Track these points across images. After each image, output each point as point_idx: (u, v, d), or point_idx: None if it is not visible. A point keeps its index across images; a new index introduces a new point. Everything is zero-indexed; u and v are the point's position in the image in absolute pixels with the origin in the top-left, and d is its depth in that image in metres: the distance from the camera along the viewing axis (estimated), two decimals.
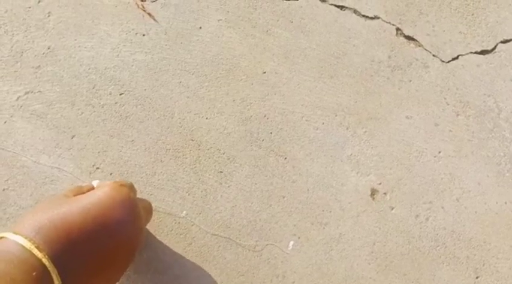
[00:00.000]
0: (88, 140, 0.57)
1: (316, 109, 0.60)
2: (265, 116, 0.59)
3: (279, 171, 0.58)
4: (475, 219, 0.57)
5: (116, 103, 0.59)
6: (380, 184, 0.58)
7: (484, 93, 0.61)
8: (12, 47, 0.60)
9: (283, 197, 0.57)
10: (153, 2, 0.62)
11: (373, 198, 0.57)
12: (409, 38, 0.63)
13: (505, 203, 0.58)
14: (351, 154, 0.59)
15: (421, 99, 0.61)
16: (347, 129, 0.59)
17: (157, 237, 0.55)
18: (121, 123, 0.58)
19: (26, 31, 0.60)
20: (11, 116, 0.57)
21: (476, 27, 0.64)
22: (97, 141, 0.57)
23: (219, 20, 0.62)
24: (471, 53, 0.63)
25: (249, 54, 0.61)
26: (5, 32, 0.60)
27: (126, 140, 0.57)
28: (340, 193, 0.57)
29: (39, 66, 0.59)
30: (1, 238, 0.35)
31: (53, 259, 0.34)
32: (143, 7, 0.62)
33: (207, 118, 0.59)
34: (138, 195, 0.51)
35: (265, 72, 0.61)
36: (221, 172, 0.57)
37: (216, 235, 0.55)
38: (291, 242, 0.55)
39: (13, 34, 0.60)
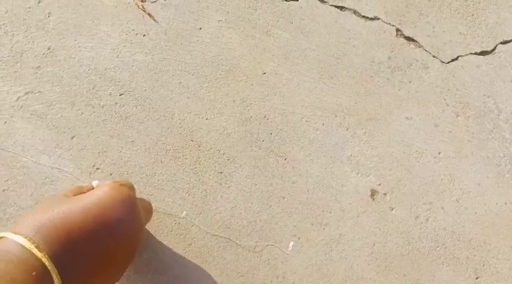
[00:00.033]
0: (88, 140, 0.57)
1: (316, 110, 0.60)
2: (265, 117, 0.59)
3: (279, 171, 0.58)
4: (475, 220, 0.57)
5: (116, 103, 0.59)
6: (380, 185, 0.58)
7: (484, 94, 0.61)
8: (12, 47, 0.60)
9: (283, 198, 0.57)
10: (153, 2, 0.62)
11: (373, 199, 0.57)
12: (409, 39, 0.63)
13: (505, 204, 0.58)
14: (351, 155, 0.59)
15: (421, 100, 0.61)
16: (347, 129, 0.59)
17: (157, 238, 0.55)
18: (121, 123, 0.58)
19: (26, 31, 0.60)
20: (11, 116, 0.57)
21: (476, 28, 0.64)
22: (97, 142, 0.57)
23: (219, 21, 0.62)
24: (471, 53, 0.63)
25: (249, 54, 0.61)
26: (5, 32, 0.60)
27: (126, 141, 0.57)
28: (340, 193, 0.57)
29: (39, 66, 0.59)
30: (1, 237, 0.35)
31: (53, 258, 0.34)
32: (143, 8, 0.62)
33: (207, 118, 0.59)
34: (138, 196, 0.51)
35: (265, 73, 0.61)
36: (221, 172, 0.57)
37: (216, 235, 0.55)
38: (291, 243, 0.55)
39: (13, 34, 0.60)
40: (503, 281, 0.56)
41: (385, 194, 0.58)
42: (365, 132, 0.60)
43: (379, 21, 0.63)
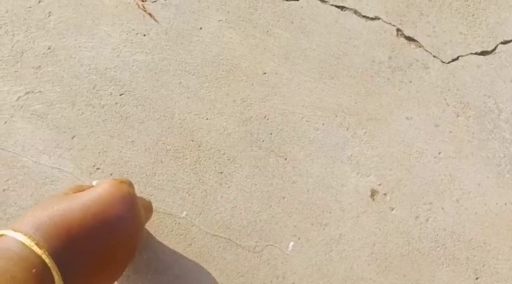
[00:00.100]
0: (88, 140, 0.57)
1: (316, 110, 0.60)
2: (265, 117, 0.59)
3: (279, 171, 0.58)
4: (475, 220, 0.57)
5: (116, 103, 0.59)
6: (380, 185, 0.58)
7: (484, 94, 0.61)
8: (12, 47, 0.60)
9: (283, 198, 0.57)
10: (153, 2, 0.62)
11: (373, 199, 0.57)
12: (410, 39, 0.63)
13: (505, 204, 0.58)
14: (351, 155, 0.59)
15: (421, 100, 0.61)
16: (347, 129, 0.59)
17: (158, 238, 0.55)
18: (121, 123, 0.58)
19: (26, 31, 0.60)
20: (12, 116, 0.57)
21: (476, 28, 0.64)
22: (97, 142, 0.57)
23: (219, 21, 0.62)
24: (471, 53, 0.63)
25: (249, 54, 0.61)
26: (5, 32, 0.60)
27: (127, 141, 0.57)
28: (340, 193, 0.57)
29: (40, 66, 0.59)
30: (1, 235, 0.35)
31: (53, 255, 0.34)
32: (144, 7, 0.62)
33: (207, 118, 0.59)
34: (138, 195, 0.50)
35: (265, 73, 0.61)
36: (221, 172, 0.57)
37: (216, 235, 0.55)
38: (291, 243, 0.55)
39: (14, 34, 0.60)
40: (503, 282, 0.56)
41: (385, 194, 0.58)
42: (365, 132, 0.59)
43: (380, 21, 0.63)
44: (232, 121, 0.59)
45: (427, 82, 0.61)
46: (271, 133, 0.59)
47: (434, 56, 0.62)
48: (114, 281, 0.43)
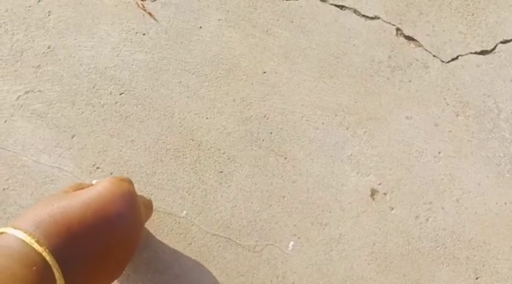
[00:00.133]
0: (88, 140, 0.57)
1: (316, 109, 0.60)
2: (265, 116, 0.59)
3: (279, 171, 0.58)
4: (475, 220, 0.57)
5: (116, 102, 0.59)
6: (380, 184, 0.58)
7: (484, 93, 0.61)
8: (12, 46, 0.60)
9: (283, 197, 0.57)
10: (153, 1, 0.62)
11: (373, 198, 0.57)
12: (409, 38, 0.63)
13: (505, 204, 0.58)
14: (351, 155, 0.59)
15: (421, 99, 0.61)
16: (347, 129, 0.59)
17: (158, 237, 0.55)
18: (121, 122, 0.58)
19: (26, 30, 0.60)
20: (11, 115, 0.57)
21: (476, 28, 0.64)
22: (97, 141, 0.57)
23: (219, 20, 0.62)
24: (471, 53, 0.63)
25: (249, 53, 0.61)
26: (5, 31, 0.60)
27: (126, 140, 0.57)
28: (340, 193, 0.57)
29: (40, 65, 0.59)
30: (1, 233, 0.35)
31: (54, 253, 0.34)
32: (143, 6, 0.62)
33: (207, 118, 0.59)
34: (138, 194, 0.50)
35: (265, 72, 0.61)
36: (221, 172, 0.57)
37: (216, 235, 0.55)
38: (291, 243, 0.55)
39: (13, 33, 0.60)
40: (503, 282, 0.56)
41: (385, 194, 0.58)
42: (365, 132, 0.59)
43: (379, 20, 0.63)
44: (232, 120, 0.59)
45: (427, 81, 0.61)
46: (271, 133, 0.59)
47: (433, 56, 0.62)
48: (114, 280, 0.43)
